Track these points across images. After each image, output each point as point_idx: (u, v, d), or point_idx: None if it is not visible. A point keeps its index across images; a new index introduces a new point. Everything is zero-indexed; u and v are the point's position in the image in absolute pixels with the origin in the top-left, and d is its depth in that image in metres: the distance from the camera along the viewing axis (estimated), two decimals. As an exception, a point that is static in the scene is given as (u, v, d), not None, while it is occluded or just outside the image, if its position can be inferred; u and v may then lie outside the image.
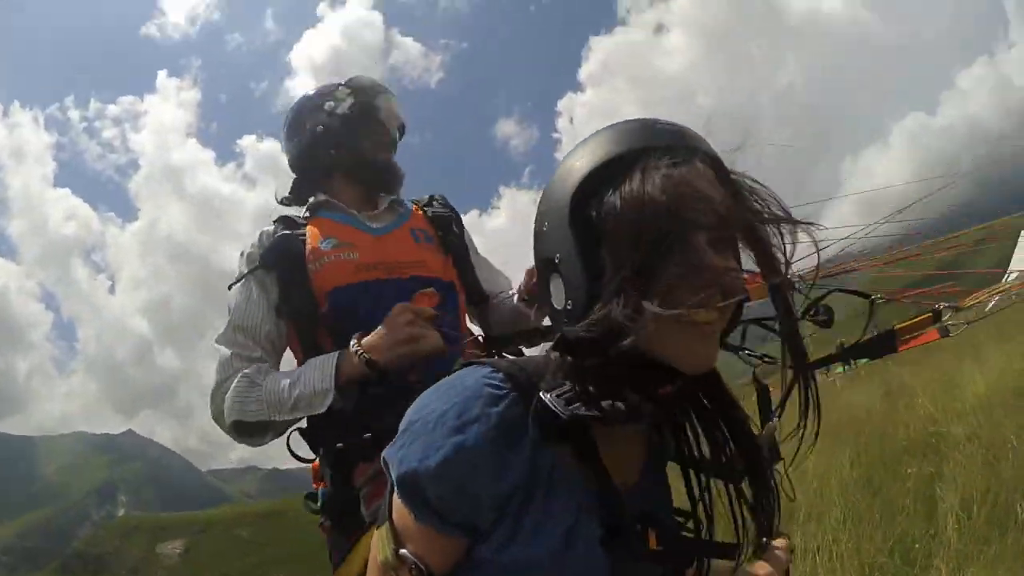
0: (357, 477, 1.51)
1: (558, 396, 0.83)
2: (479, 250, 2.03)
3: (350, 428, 1.49)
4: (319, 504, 1.62)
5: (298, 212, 1.82)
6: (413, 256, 1.73)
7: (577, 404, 0.82)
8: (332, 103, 1.81)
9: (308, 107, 1.85)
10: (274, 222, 1.74)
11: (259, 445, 1.62)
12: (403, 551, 0.86)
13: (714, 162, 0.84)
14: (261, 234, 1.71)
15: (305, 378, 1.51)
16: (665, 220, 0.77)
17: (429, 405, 0.88)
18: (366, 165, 1.81)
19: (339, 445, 1.51)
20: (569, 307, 0.85)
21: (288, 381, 1.52)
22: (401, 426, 0.89)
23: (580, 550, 0.85)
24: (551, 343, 0.91)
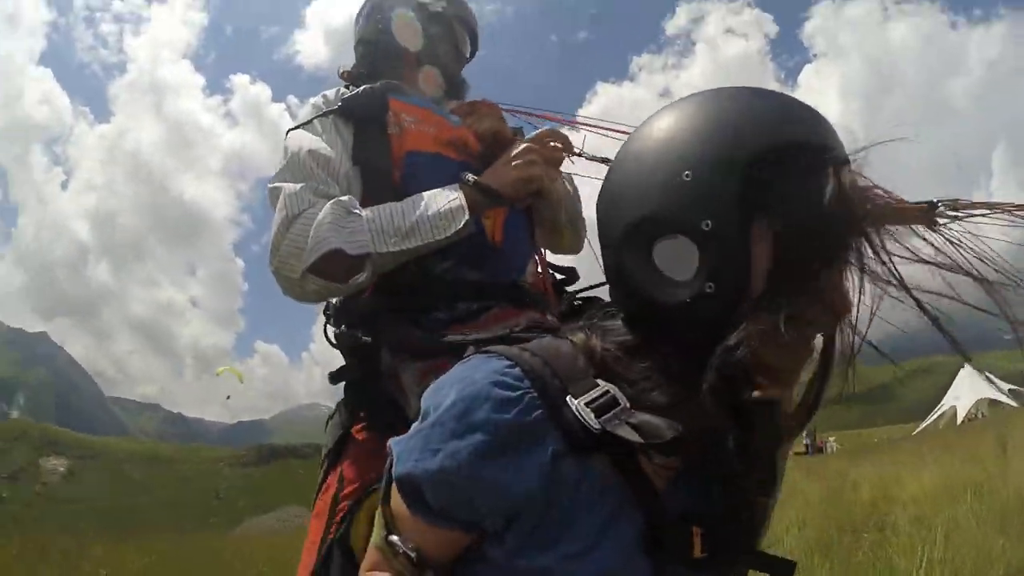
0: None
1: (589, 404, 0.74)
2: None
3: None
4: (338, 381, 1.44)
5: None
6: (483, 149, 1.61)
7: (611, 415, 0.73)
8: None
9: None
10: (344, 87, 1.60)
11: (337, 294, 1.41)
12: (392, 538, 0.79)
13: None
14: (336, 90, 1.57)
15: (421, 203, 1.33)
16: (852, 235, 0.71)
17: (438, 394, 0.79)
18: (442, 68, 1.71)
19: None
20: (709, 289, 0.73)
21: (399, 207, 1.33)
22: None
23: (614, 558, 0.76)
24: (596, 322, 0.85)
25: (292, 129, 1.48)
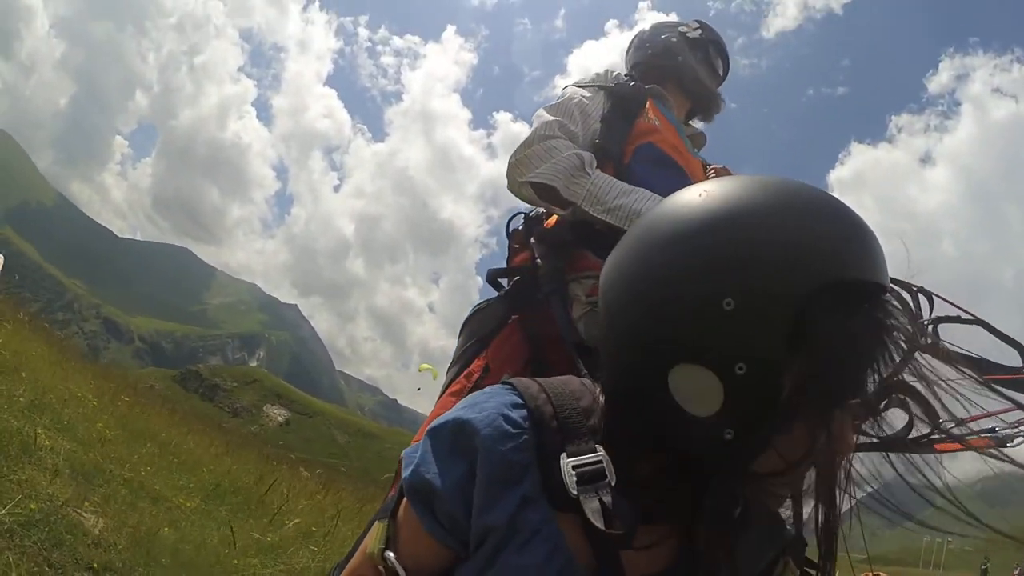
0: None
1: (577, 467, 0.72)
2: None
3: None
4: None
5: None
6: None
7: (592, 486, 0.71)
8: (685, 28, 2.09)
9: (664, 26, 2.13)
10: (624, 75, 1.95)
11: (539, 207, 1.77)
12: (388, 553, 0.80)
13: None
14: (616, 73, 1.92)
15: (636, 196, 1.58)
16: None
17: (456, 410, 0.81)
18: (696, 84, 2.06)
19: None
20: (728, 436, 0.67)
21: (618, 187, 1.60)
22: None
23: None
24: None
25: (575, 84, 1.89)
